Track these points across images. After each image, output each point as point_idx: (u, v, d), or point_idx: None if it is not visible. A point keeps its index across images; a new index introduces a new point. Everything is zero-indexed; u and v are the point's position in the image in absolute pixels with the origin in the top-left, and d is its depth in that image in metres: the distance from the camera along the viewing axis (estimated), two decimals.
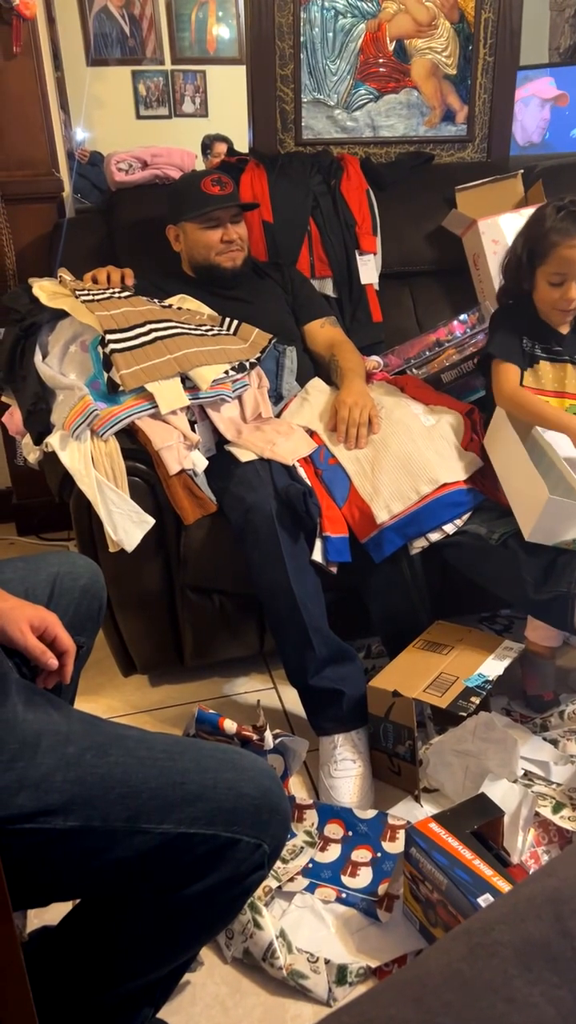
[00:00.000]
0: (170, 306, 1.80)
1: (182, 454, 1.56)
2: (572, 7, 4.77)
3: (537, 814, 1.37)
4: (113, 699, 1.78)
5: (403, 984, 0.51)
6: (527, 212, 2.10)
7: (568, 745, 1.52)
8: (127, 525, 1.48)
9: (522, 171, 2.26)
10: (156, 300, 1.79)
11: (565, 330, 1.70)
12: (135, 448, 1.55)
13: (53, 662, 0.96)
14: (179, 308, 1.81)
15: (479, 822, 1.22)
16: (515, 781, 1.42)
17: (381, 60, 2.27)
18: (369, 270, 2.17)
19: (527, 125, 3.23)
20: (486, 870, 1.12)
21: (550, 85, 3.23)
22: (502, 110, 2.43)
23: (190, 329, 1.71)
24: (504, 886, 1.10)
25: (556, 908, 0.51)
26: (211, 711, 1.36)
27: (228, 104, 4.16)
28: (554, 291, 1.62)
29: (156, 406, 1.56)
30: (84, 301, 1.65)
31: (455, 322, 2.07)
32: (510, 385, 1.66)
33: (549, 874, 0.56)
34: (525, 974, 0.47)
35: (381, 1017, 0.48)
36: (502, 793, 1.36)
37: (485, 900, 1.07)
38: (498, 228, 2.10)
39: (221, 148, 3.96)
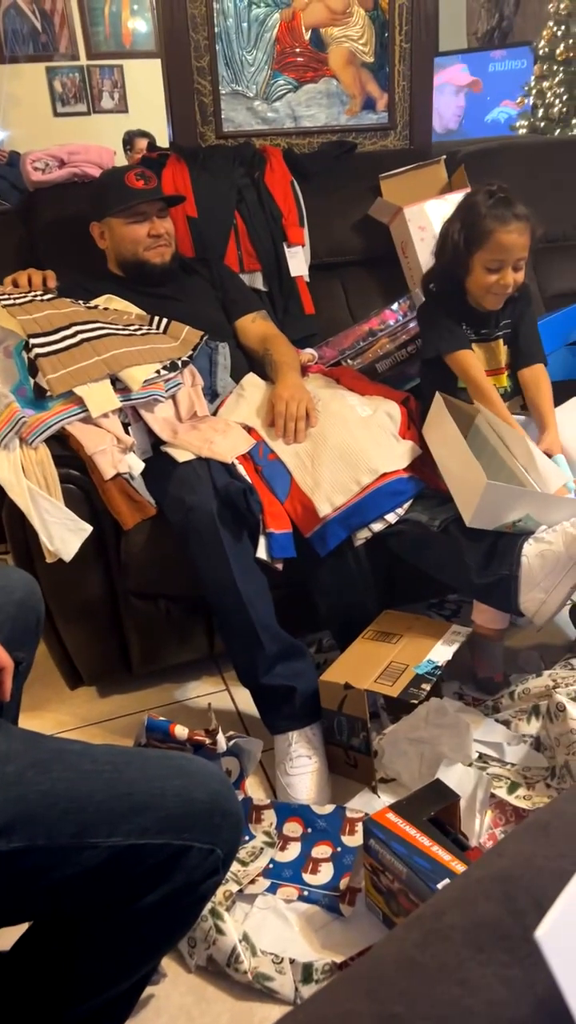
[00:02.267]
0: (96, 307, 1.76)
1: (116, 458, 1.52)
2: None
3: (493, 795, 1.38)
4: (61, 713, 1.74)
5: (358, 977, 0.50)
6: (452, 197, 2.12)
7: (520, 725, 1.53)
8: (63, 534, 1.45)
9: (445, 157, 2.27)
10: (81, 301, 1.75)
11: (494, 308, 1.71)
12: (67, 455, 1.51)
13: None
14: (105, 308, 1.77)
15: (435, 808, 1.22)
16: (470, 764, 1.43)
17: (298, 49, 2.26)
18: (298, 262, 2.16)
19: (443, 113, 3.27)
20: (444, 856, 1.13)
21: (463, 72, 3.28)
22: (422, 96, 2.43)
23: (118, 329, 1.67)
24: (462, 870, 1.10)
25: (505, 888, 0.51)
26: (161, 718, 1.34)
27: (148, 98, 4.10)
28: (490, 276, 1.63)
29: (86, 410, 1.52)
30: (5, 306, 1.60)
31: (387, 311, 2.07)
32: (476, 371, 1.68)
33: (499, 855, 0.56)
34: (477, 955, 0.47)
35: (336, 1013, 0.48)
36: (457, 777, 1.37)
37: (445, 886, 1.07)
38: (424, 214, 2.11)
39: (142, 144, 3.91)
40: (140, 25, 4.38)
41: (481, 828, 1.32)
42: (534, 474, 1.53)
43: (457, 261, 1.66)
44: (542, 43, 4.40)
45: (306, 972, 1.15)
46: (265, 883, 1.29)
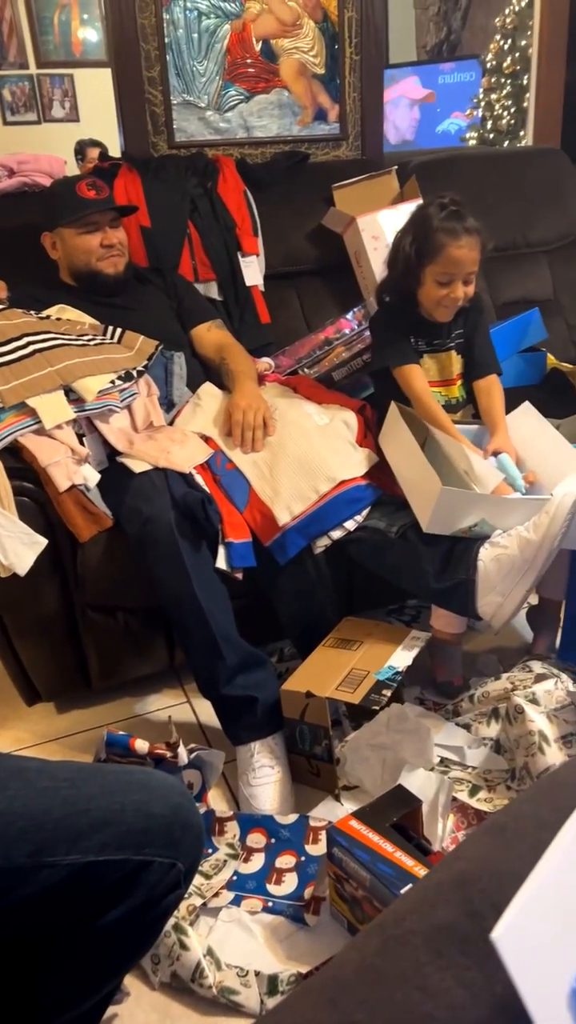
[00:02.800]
0: (48, 317, 1.74)
1: (71, 469, 1.51)
2: (436, 5, 4.91)
3: (455, 799, 1.39)
4: (18, 730, 1.70)
5: (319, 986, 0.50)
6: (404, 207, 2.14)
7: (480, 728, 1.55)
8: (17, 548, 1.42)
9: (396, 167, 2.30)
10: (33, 312, 1.73)
11: (444, 320, 1.72)
12: (20, 467, 1.49)
13: None
14: (58, 319, 1.75)
15: (398, 814, 1.23)
16: (431, 769, 1.43)
17: (249, 60, 2.27)
18: (253, 272, 2.16)
19: (399, 124, 3.32)
20: (407, 861, 1.13)
21: (416, 84, 3.32)
22: (373, 107, 2.46)
23: (71, 340, 1.65)
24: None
25: (463, 891, 0.51)
26: (121, 733, 1.32)
27: (100, 108, 4.07)
28: (441, 289, 1.64)
29: (40, 421, 1.50)
30: None
31: (342, 319, 2.08)
32: (420, 385, 1.69)
33: (458, 857, 0.56)
34: (436, 960, 0.47)
35: (298, 1023, 0.47)
36: (420, 782, 1.37)
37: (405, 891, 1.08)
38: (377, 224, 2.13)
39: (94, 153, 3.89)
40: (90, 34, 4.36)
41: (443, 832, 1.33)
42: (472, 477, 1.55)
43: (409, 273, 1.67)
44: (489, 56, 4.50)
45: (271, 984, 1.14)
46: (229, 895, 1.28)
